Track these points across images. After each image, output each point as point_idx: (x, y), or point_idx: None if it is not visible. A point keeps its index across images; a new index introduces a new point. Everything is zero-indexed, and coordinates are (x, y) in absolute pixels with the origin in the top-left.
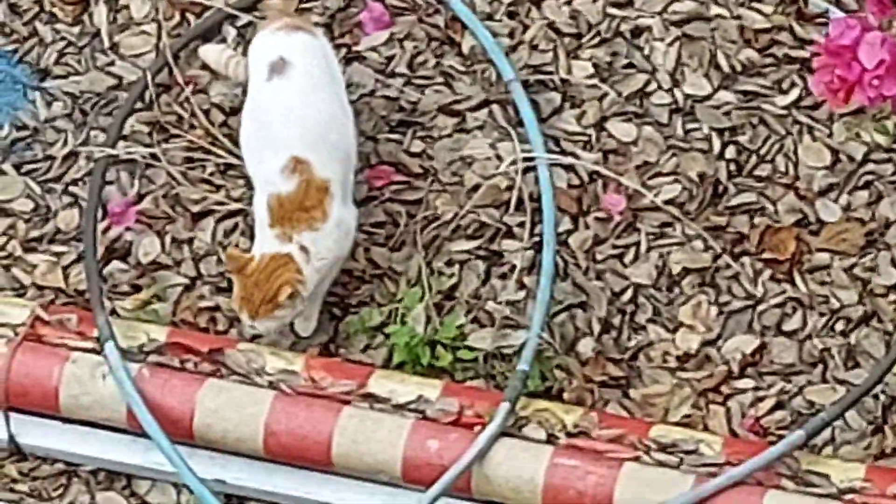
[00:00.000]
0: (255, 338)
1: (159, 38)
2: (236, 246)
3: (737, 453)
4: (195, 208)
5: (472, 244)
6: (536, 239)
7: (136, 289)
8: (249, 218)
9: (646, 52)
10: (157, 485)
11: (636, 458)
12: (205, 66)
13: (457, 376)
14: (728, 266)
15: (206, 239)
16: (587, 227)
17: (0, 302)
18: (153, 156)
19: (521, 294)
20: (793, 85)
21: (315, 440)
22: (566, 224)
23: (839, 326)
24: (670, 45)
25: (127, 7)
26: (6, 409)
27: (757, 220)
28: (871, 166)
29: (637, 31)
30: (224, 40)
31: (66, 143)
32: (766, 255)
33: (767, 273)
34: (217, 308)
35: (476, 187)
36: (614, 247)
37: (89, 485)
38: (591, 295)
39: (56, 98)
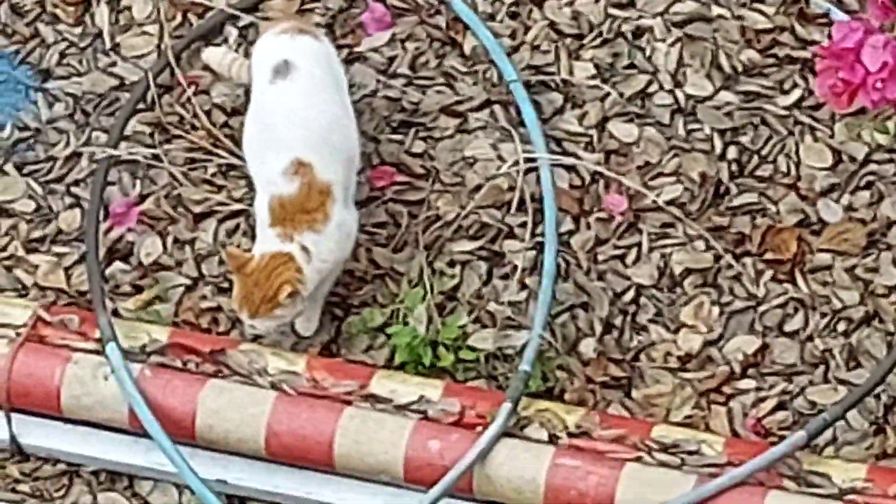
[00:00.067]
0: (256, 338)
1: (161, 38)
2: (237, 246)
3: (738, 454)
4: (197, 209)
5: (473, 245)
6: (538, 239)
7: (138, 289)
8: (251, 218)
9: (647, 52)
10: (158, 485)
11: (638, 459)
12: (206, 68)
13: (458, 377)
14: (730, 266)
15: (207, 239)
16: (589, 227)
17: (2, 302)
18: (155, 156)
19: (523, 294)
20: (794, 85)
21: (317, 440)
22: (568, 224)
23: (841, 327)
24: (672, 45)
25: (129, 8)
26: (8, 410)
27: (758, 220)
28: (872, 167)
29: (639, 32)
30: (226, 41)
31: (68, 143)
32: (767, 256)
33: (769, 273)
34: (219, 309)
35: (478, 188)
36: (616, 247)
37: (91, 485)
38: (592, 295)
39: (58, 99)
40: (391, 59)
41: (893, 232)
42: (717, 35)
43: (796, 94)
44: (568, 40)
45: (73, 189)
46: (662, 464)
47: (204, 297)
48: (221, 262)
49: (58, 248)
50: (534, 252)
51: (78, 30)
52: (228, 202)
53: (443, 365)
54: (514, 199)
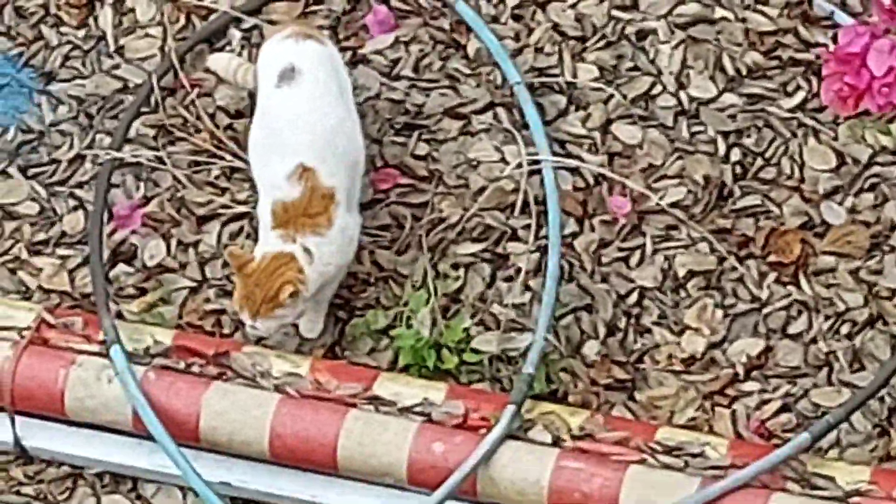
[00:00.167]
0: (260, 341)
1: (165, 41)
2: (240, 248)
3: (742, 456)
4: (200, 211)
5: (477, 247)
6: (542, 242)
7: (142, 292)
8: (255, 221)
9: (651, 54)
10: (162, 488)
11: (642, 461)
12: (211, 73)
13: (462, 379)
14: (733, 269)
15: (211, 242)
16: (592, 229)
17: (6, 305)
18: (159, 159)
19: (527, 297)
20: (798, 88)
21: (320, 443)
22: (571, 227)
23: (845, 329)
24: (675, 47)
25: (132, 10)
26: (12, 413)
27: (762, 222)
28: (876, 169)
29: (642, 34)
30: (229, 44)
31: (71, 146)
32: (771, 258)
33: (773, 276)
34: (223, 311)
35: (481, 190)
36: (620, 249)
37: (95, 488)
38: (596, 297)
39: (61, 101)
40: (395, 62)
41: None
42: (720, 37)
43: (800, 96)
44: (571, 42)
45: (77, 191)
46: (666, 466)
47: (208, 300)
48: (225, 265)
49: (61, 251)
50: (537, 254)
51: (81, 32)
52: (232, 205)
53: (446, 367)
54: (518, 201)
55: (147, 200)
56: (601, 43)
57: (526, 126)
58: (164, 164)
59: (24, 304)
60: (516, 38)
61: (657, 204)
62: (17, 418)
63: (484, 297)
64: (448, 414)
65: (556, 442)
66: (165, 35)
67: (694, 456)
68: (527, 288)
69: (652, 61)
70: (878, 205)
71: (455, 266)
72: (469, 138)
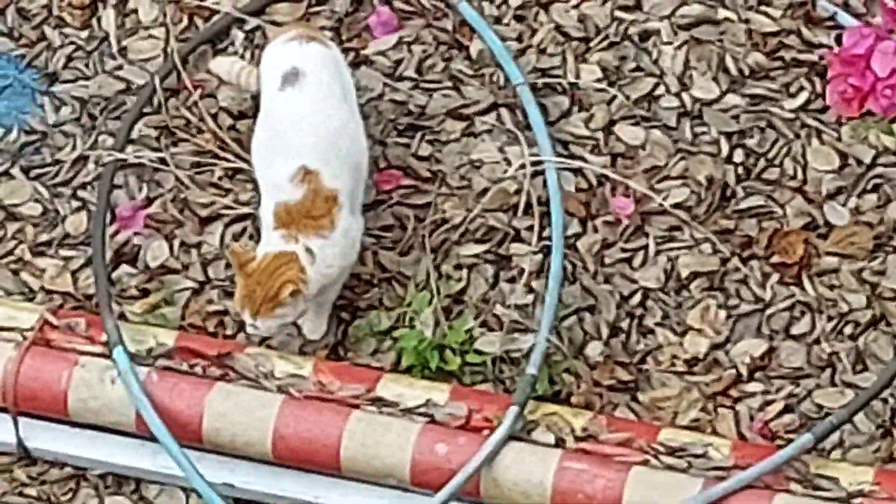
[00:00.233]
0: (263, 342)
1: (167, 42)
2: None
3: (745, 457)
4: (203, 212)
5: (480, 248)
6: (545, 243)
7: (145, 293)
8: (258, 222)
9: (654, 55)
10: (165, 489)
11: (645, 462)
12: (213, 75)
13: (465, 380)
14: (736, 269)
15: (214, 243)
16: (595, 230)
17: (9, 306)
18: (161, 160)
19: (530, 298)
20: (801, 88)
21: (323, 444)
22: (574, 227)
23: (848, 330)
24: (678, 48)
25: (135, 11)
26: (15, 414)
27: (765, 223)
28: (879, 169)
29: (645, 35)
30: (232, 44)
31: (74, 147)
32: (774, 259)
33: (776, 276)
34: (225, 312)
35: (484, 191)
36: (622, 250)
37: (98, 489)
38: (599, 298)
39: (64, 102)
40: (398, 63)
41: None
42: (723, 38)
43: (803, 97)
44: (574, 43)
45: (80, 192)
46: (669, 467)
47: (210, 301)
48: (228, 266)
49: (64, 252)
50: (540, 255)
51: (84, 33)
52: (235, 206)
53: (449, 368)
54: (521, 202)
55: (150, 201)
56: (604, 44)
57: (529, 127)
58: (167, 165)
59: (28, 306)
60: (519, 38)
61: (660, 205)
62: (21, 419)
63: (487, 298)
64: (451, 415)
65: (559, 443)
66: (168, 36)
67: (697, 457)
68: (530, 289)
69: (655, 62)
70: (882, 206)
71: (458, 267)
72: (472, 139)
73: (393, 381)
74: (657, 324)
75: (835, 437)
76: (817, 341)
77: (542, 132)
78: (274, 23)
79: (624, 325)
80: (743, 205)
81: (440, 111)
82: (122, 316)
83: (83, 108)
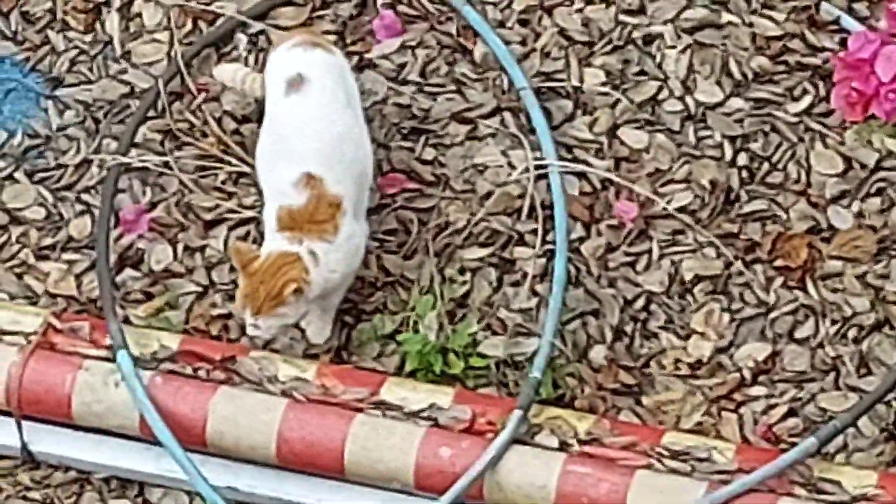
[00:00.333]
0: (267, 345)
1: (171, 45)
2: None
3: (749, 460)
4: (207, 216)
5: (484, 252)
6: (548, 246)
7: (149, 296)
8: (261, 226)
9: (658, 59)
10: (169, 492)
11: (648, 466)
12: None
13: (469, 384)
14: (740, 273)
15: (218, 247)
16: (599, 234)
17: (13, 310)
18: (165, 164)
19: (534, 301)
20: (805, 92)
21: (327, 447)
22: (578, 231)
23: (851, 334)
24: (682, 52)
25: (139, 15)
26: (19, 417)
27: (769, 227)
28: (883, 173)
29: (649, 39)
30: (235, 48)
31: (78, 151)
32: (778, 263)
33: (779, 280)
34: (229, 316)
35: (488, 195)
36: (626, 254)
37: (102, 492)
38: (603, 302)
39: (68, 106)
40: (401, 66)
41: None
42: (727, 42)
43: (807, 100)
44: (578, 47)
45: (84, 196)
46: (673, 471)
47: (214, 305)
48: (232, 270)
49: (68, 256)
50: (544, 259)
51: (88, 37)
52: (239, 209)
53: (453, 372)
54: (525, 206)
55: (154, 205)
56: (608, 48)
57: (533, 131)
58: (171, 168)
59: (31, 309)
60: (523, 42)
61: (664, 208)
62: (25, 423)
63: (491, 301)
64: (455, 419)
65: (563, 446)
66: (172, 40)
67: (701, 460)
68: (533, 293)
69: (659, 66)
70: (885, 209)
71: (462, 271)
72: (476, 143)
73: (397, 384)
74: (661, 327)
75: (839, 440)
76: (821, 345)
77: (545, 136)
78: (278, 27)
79: (628, 328)
80: (746, 208)
81: (444, 115)
82: (125, 320)
83: (87, 111)
